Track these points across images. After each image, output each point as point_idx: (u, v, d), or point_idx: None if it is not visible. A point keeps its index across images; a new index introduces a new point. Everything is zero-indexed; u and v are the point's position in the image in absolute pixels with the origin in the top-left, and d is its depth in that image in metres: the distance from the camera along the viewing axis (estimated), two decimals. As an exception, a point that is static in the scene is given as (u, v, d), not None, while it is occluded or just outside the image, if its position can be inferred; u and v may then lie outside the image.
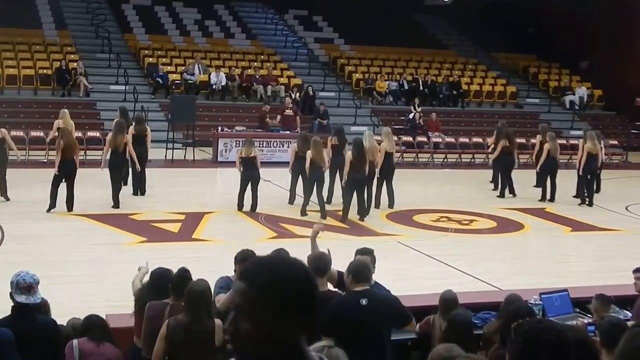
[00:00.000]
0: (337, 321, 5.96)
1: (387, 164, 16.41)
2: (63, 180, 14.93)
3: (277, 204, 16.47)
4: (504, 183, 19.20)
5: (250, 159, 15.54)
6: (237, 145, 22.83)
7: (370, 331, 6.12)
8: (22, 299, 5.44)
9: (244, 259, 6.41)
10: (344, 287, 6.65)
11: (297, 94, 28.63)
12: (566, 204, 18.35)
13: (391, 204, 16.69)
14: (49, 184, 14.94)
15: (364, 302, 6.11)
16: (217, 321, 5.96)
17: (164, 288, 6.46)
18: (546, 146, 18.77)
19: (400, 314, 6.50)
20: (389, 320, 6.38)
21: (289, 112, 24.78)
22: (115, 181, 15.88)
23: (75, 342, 5.77)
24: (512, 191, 19.06)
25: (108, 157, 16.15)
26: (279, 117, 24.71)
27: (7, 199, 15.57)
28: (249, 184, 15.59)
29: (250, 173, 15.52)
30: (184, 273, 6.45)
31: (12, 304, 5.52)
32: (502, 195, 19.04)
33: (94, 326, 5.96)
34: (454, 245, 14.21)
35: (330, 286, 6.85)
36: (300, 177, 15.98)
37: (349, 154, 15.24)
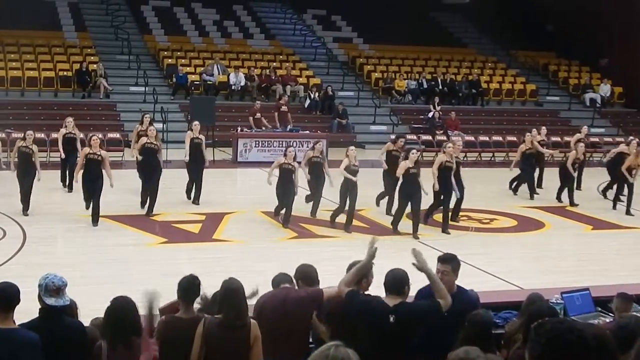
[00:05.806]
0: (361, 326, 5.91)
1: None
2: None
3: (298, 203, 16.36)
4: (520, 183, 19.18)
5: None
6: (257, 145, 22.92)
7: (396, 346, 5.96)
8: (51, 301, 5.38)
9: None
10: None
11: (316, 94, 28.68)
12: (586, 202, 18.25)
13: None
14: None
15: (392, 319, 5.87)
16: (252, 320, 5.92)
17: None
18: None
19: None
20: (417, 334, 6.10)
21: (284, 108, 25.30)
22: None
23: None
24: (515, 189, 19.16)
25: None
26: (276, 114, 25.13)
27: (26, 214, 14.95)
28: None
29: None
30: (194, 280, 6.02)
31: (40, 307, 5.49)
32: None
33: None
34: (475, 244, 14.17)
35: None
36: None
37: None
